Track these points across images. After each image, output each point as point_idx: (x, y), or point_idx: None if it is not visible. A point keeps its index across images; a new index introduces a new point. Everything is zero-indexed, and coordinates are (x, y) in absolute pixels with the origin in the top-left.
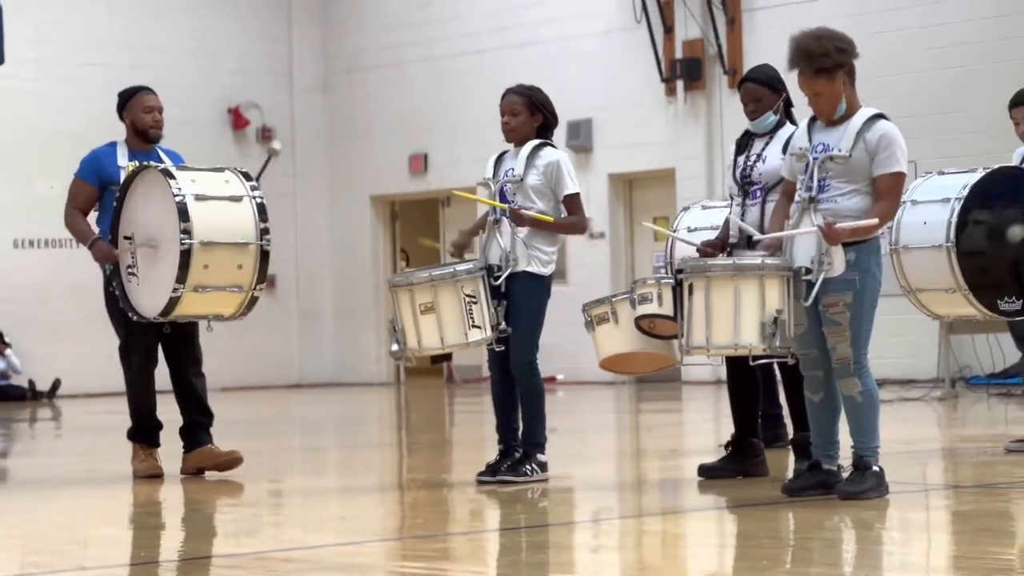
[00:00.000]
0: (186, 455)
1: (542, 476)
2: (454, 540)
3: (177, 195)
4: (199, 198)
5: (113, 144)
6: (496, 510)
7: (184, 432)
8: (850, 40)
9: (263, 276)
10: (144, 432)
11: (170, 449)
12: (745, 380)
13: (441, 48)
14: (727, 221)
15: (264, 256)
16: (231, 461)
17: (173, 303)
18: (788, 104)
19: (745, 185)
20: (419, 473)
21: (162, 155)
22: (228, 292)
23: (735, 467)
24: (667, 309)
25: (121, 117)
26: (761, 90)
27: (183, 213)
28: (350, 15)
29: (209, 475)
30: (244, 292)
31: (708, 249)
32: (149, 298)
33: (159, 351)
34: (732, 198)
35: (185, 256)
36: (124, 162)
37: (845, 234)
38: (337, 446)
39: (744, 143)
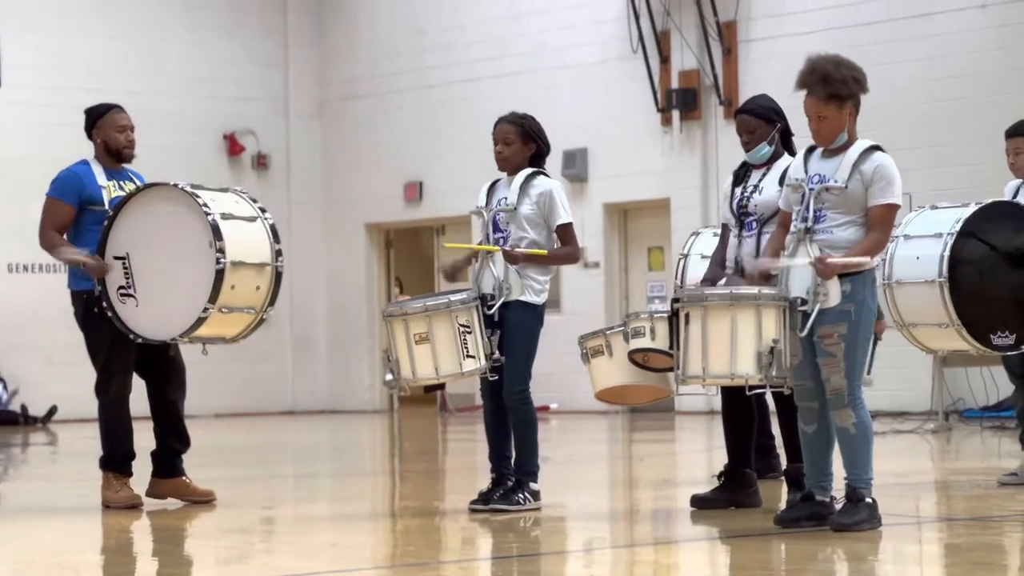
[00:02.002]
0: (158, 480)
1: (535, 505)
2: (446, 568)
3: (209, 213)
4: (225, 217)
5: (86, 163)
6: (488, 538)
7: (157, 456)
8: (863, 73)
9: (274, 298)
10: (119, 461)
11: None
12: (741, 410)
13: (436, 77)
14: (714, 256)
15: (278, 278)
16: (205, 501)
17: (199, 323)
18: (786, 134)
19: (741, 216)
20: (412, 501)
21: (132, 176)
22: (244, 313)
23: (728, 498)
24: (660, 343)
25: (90, 136)
26: (755, 122)
27: (216, 232)
28: (346, 43)
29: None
30: (255, 314)
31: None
32: (158, 319)
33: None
34: (725, 228)
35: (220, 276)
36: (104, 181)
37: (838, 268)
38: (330, 473)
39: (741, 174)
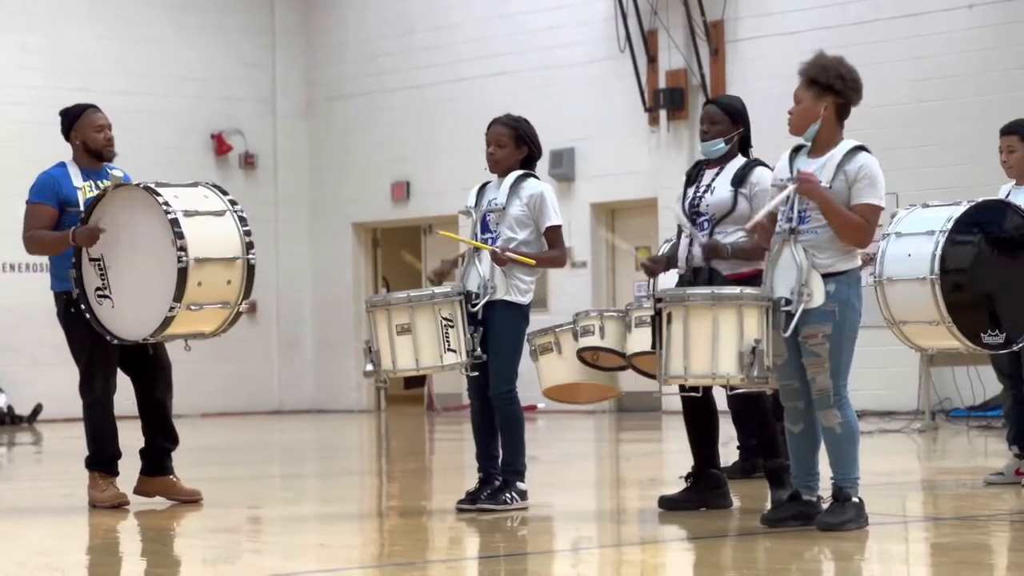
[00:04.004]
0: (146, 478)
1: (522, 504)
2: (433, 568)
3: (169, 212)
4: (188, 214)
5: (63, 165)
6: (475, 538)
7: (146, 455)
8: (858, 82)
9: (248, 291)
10: (105, 461)
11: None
12: (702, 411)
13: (424, 76)
14: (673, 245)
15: (250, 270)
16: (192, 500)
17: (168, 322)
18: (746, 142)
19: (693, 216)
20: (399, 500)
21: (113, 174)
22: (218, 308)
23: (697, 499)
24: (610, 341)
25: (68, 137)
26: (720, 115)
27: (178, 230)
28: (333, 43)
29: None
30: (230, 308)
31: (651, 264)
32: (132, 319)
33: (118, 374)
34: (680, 230)
35: (183, 274)
36: (79, 182)
37: (818, 192)
38: (317, 473)
39: (694, 174)
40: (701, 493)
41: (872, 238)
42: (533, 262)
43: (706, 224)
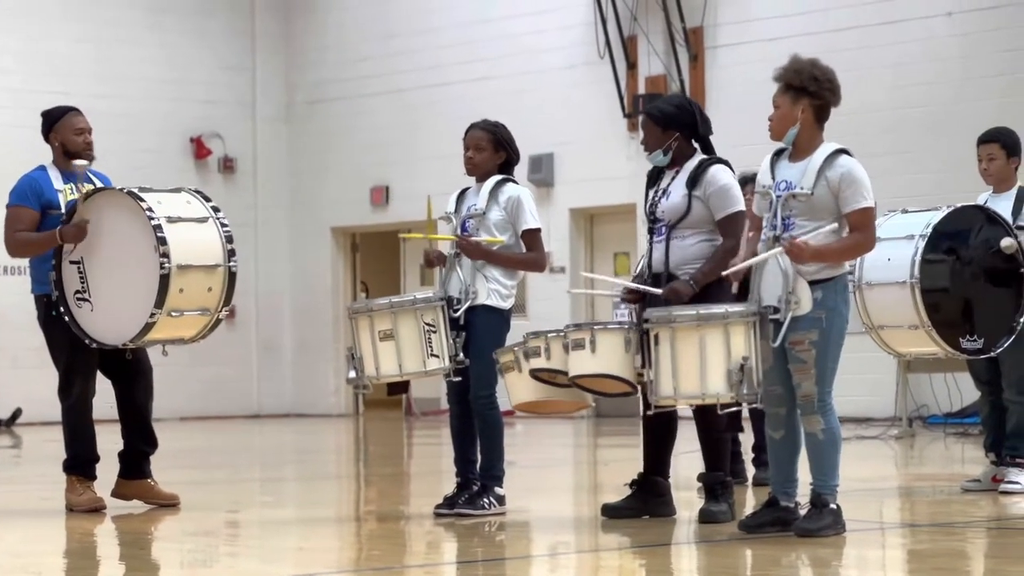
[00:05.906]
0: (124, 482)
1: (500, 509)
2: (411, 573)
3: (152, 217)
4: (171, 220)
5: (43, 168)
6: (453, 543)
7: (124, 458)
8: (834, 82)
9: (229, 299)
10: (83, 464)
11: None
12: (663, 418)
13: (403, 81)
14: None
15: (232, 278)
16: (170, 504)
17: (148, 328)
18: (699, 137)
19: (652, 221)
20: (376, 505)
21: (92, 177)
22: (197, 315)
23: (639, 507)
24: (556, 362)
25: (47, 139)
26: (648, 124)
27: (161, 236)
28: (313, 47)
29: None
30: (210, 315)
31: (630, 295)
32: (111, 324)
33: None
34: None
35: (165, 280)
36: (60, 185)
37: (808, 252)
38: (295, 477)
39: (654, 175)
40: (644, 501)
41: (874, 238)
42: (502, 239)
43: (664, 229)
